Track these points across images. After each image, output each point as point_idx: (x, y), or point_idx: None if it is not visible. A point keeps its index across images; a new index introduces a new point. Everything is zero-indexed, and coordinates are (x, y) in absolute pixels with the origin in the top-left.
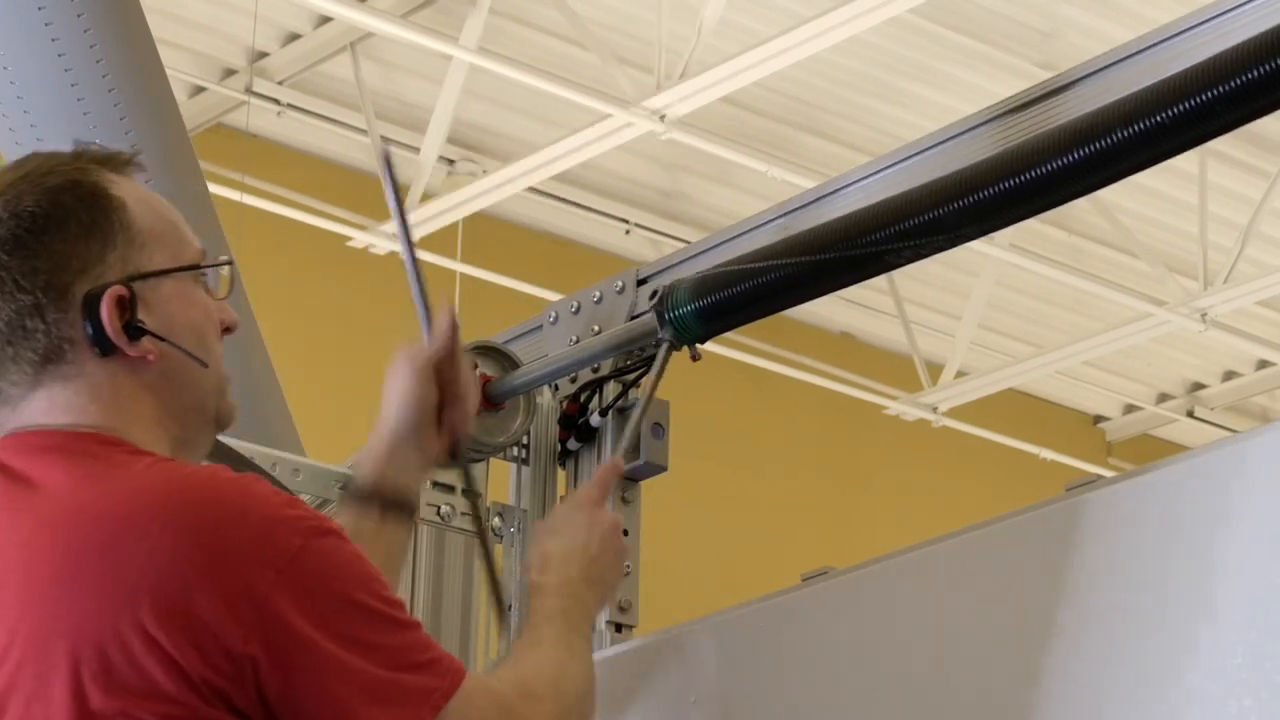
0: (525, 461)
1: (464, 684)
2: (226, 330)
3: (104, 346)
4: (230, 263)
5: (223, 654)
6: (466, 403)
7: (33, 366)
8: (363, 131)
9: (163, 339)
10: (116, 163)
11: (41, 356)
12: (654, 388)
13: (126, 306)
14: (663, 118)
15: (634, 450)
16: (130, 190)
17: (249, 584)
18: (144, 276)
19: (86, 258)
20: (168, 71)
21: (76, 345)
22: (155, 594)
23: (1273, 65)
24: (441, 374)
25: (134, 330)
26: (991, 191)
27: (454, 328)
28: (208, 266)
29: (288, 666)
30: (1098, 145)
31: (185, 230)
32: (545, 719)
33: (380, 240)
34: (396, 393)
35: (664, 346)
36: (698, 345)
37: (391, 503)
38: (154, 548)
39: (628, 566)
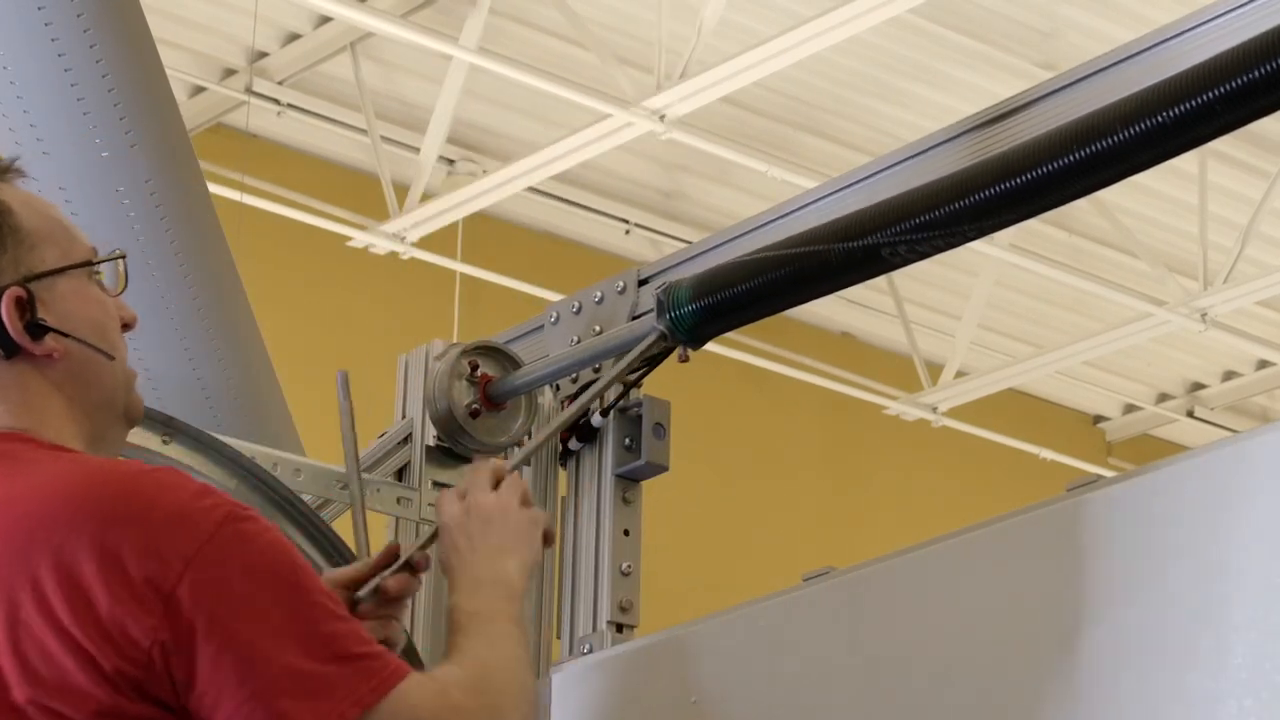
0: (527, 462)
1: (402, 683)
2: (126, 327)
3: (8, 348)
4: (123, 257)
5: (133, 645)
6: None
7: None
8: (363, 131)
9: (66, 335)
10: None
11: None
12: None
13: (25, 307)
14: (663, 118)
15: (633, 449)
16: (13, 195)
17: (156, 574)
18: (38, 276)
19: None
20: (168, 71)
21: None
22: (67, 588)
23: (1273, 66)
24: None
25: (35, 329)
26: (991, 192)
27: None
28: (100, 261)
29: (196, 656)
30: (1098, 146)
31: (73, 229)
32: (481, 708)
33: (380, 240)
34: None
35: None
36: (696, 346)
37: None
38: (63, 543)
39: (627, 568)
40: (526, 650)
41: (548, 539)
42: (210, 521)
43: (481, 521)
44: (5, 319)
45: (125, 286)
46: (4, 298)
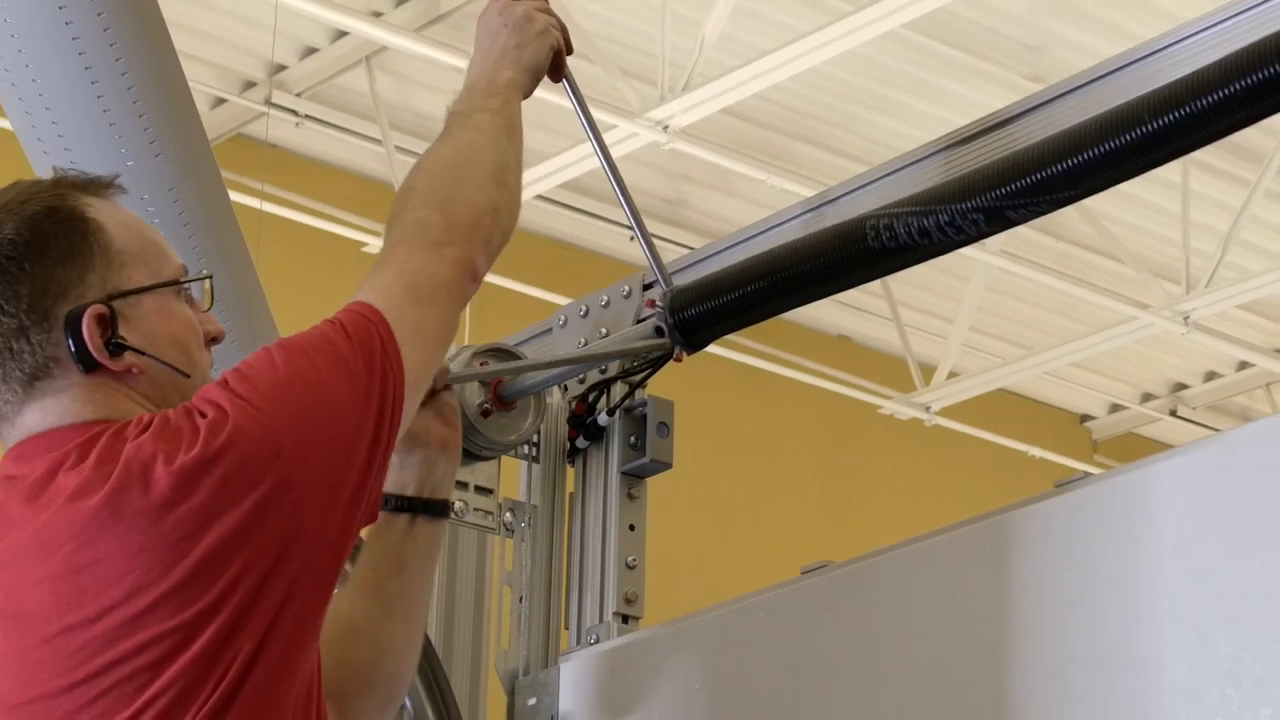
0: (536, 459)
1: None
2: (212, 340)
3: (87, 363)
4: (209, 277)
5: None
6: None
7: (22, 386)
8: (378, 142)
9: (143, 353)
10: (97, 187)
11: (29, 375)
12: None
13: (107, 324)
14: (666, 128)
15: (638, 447)
16: (109, 212)
17: (151, 568)
18: (123, 295)
19: (66, 280)
20: (190, 84)
21: (62, 363)
22: (104, 609)
23: (1253, 79)
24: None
25: (115, 346)
26: (983, 199)
27: None
28: (186, 282)
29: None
30: (1085, 156)
31: (165, 248)
32: (436, 225)
33: None
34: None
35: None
36: (697, 349)
37: (410, 505)
38: (87, 566)
39: (632, 561)
40: (499, 138)
41: (567, 46)
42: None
43: (488, 34)
44: (85, 335)
45: (211, 304)
46: (86, 315)
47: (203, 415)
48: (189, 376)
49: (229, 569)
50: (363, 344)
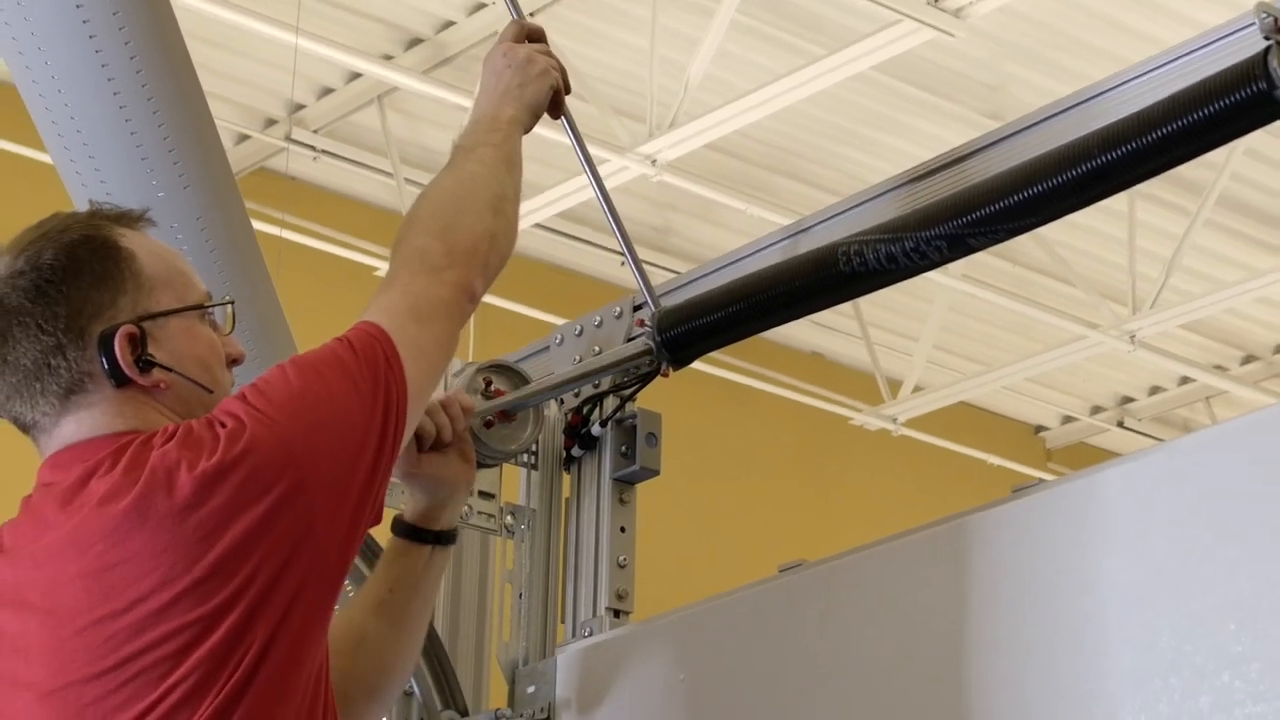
0: (534, 467)
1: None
2: (234, 362)
3: (119, 378)
4: (231, 302)
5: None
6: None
7: (59, 398)
8: (389, 175)
9: (170, 369)
10: (129, 219)
11: (65, 389)
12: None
13: (137, 343)
14: (654, 162)
15: (629, 456)
16: (140, 242)
17: (170, 565)
18: (152, 316)
19: (100, 302)
20: (216, 121)
21: (95, 378)
22: (128, 603)
23: (1192, 118)
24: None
25: (144, 363)
26: (945, 228)
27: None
28: (209, 306)
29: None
30: (1039, 188)
31: (191, 275)
32: (434, 258)
33: None
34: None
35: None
36: (683, 365)
37: (437, 538)
38: (115, 566)
39: (623, 560)
40: (499, 171)
41: (565, 86)
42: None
43: (493, 73)
44: (117, 353)
45: (233, 328)
46: (118, 334)
47: (223, 425)
48: (212, 392)
49: (245, 566)
50: (368, 360)
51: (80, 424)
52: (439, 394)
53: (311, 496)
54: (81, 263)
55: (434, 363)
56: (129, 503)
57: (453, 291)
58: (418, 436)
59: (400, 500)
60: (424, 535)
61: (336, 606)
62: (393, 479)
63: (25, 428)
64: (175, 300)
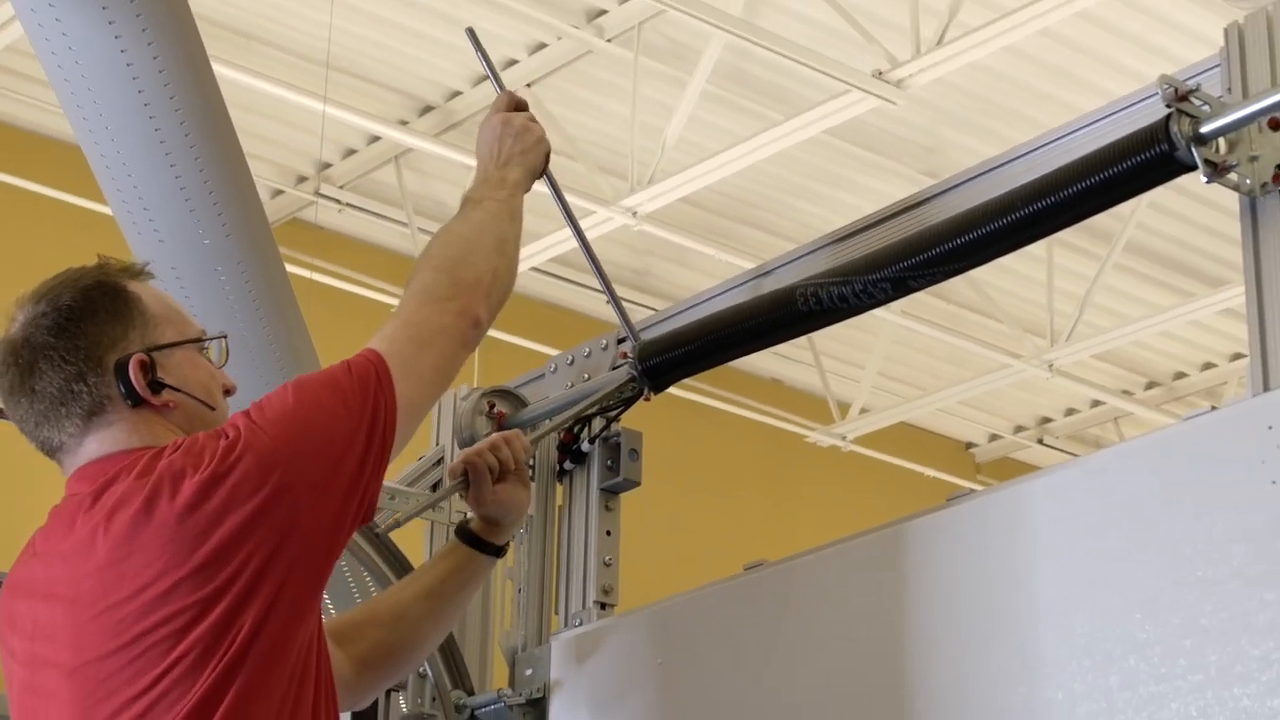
0: (531, 478)
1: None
2: (227, 393)
3: (134, 399)
4: (224, 336)
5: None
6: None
7: (82, 419)
8: (404, 224)
9: (178, 390)
10: (133, 271)
11: (88, 411)
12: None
13: (148, 369)
14: (635, 214)
15: (613, 469)
16: (143, 289)
17: (170, 562)
18: (159, 348)
19: (114, 336)
20: (254, 179)
21: (113, 400)
22: (138, 594)
23: (1104, 175)
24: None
25: (155, 385)
26: (888, 271)
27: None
28: (207, 340)
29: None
30: (970, 236)
31: (187, 315)
32: (439, 294)
33: None
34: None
35: (627, 380)
36: (660, 390)
37: (498, 552)
38: (126, 559)
39: (608, 560)
40: (503, 220)
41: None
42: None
43: (495, 139)
44: (132, 377)
45: (227, 360)
46: (131, 361)
47: (226, 436)
48: (214, 410)
49: (237, 556)
50: (360, 379)
51: (102, 442)
52: (500, 433)
53: (296, 496)
54: (95, 303)
55: (430, 382)
56: (138, 505)
57: (455, 319)
58: (490, 471)
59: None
60: (483, 546)
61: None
62: (465, 511)
63: (51, 450)
64: (176, 334)
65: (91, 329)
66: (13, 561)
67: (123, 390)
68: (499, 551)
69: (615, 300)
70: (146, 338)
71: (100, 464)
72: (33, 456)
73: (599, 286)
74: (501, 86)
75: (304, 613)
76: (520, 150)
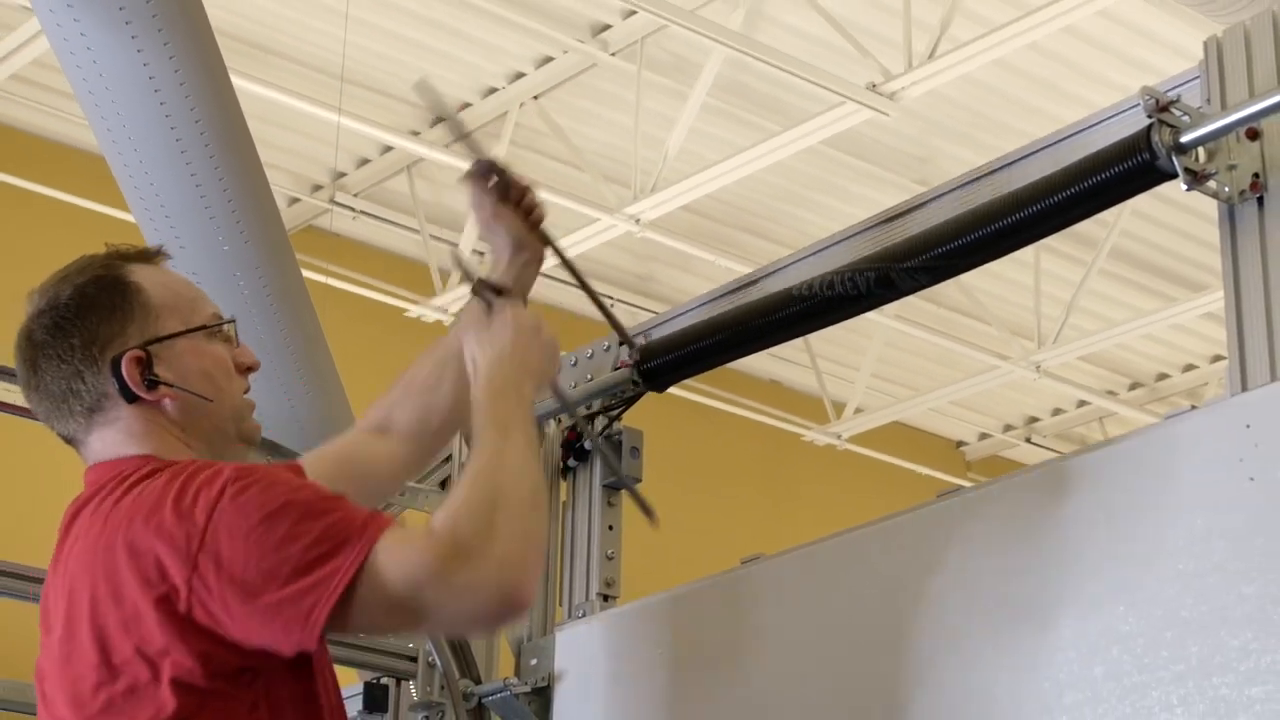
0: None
1: (385, 535)
2: (249, 369)
3: (129, 396)
4: (232, 321)
5: (176, 601)
6: (528, 195)
7: (84, 417)
8: (416, 231)
9: (173, 385)
10: (145, 255)
11: (88, 408)
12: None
13: (144, 364)
14: (638, 221)
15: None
16: (150, 275)
17: (179, 547)
18: (159, 340)
19: (110, 332)
20: (271, 186)
21: (111, 397)
22: (133, 545)
23: (1084, 186)
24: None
25: (150, 382)
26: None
27: (494, 171)
28: (212, 326)
29: (219, 598)
30: (961, 241)
31: (197, 300)
32: (473, 531)
33: (429, 312)
34: (491, 232)
35: (628, 381)
36: (660, 390)
37: (496, 292)
38: (128, 540)
39: (610, 554)
40: (530, 457)
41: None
42: (209, 502)
43: (504, 342)
44: (125, 374)
45: (238, 342)
46: (125, 358)
47: (192, 503)
48: (212, 401)
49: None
50: (336, 537)
51: (104, 442)
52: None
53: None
54: (92, 299)
55: (374, 607)
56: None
57: (461, 600)
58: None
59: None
60: (488, 289)
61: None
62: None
63: (70, 442)
64: (181, 323)
65: (88, 326)
66: (13, 554)
67: (118, 387)
68: (493, 296)
69: (607, 314)
70: (146, 330)
71: (101, 469)
72: (32, 455)
73: (603, 291)
74: (482, 154)
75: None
76: (535, 357)
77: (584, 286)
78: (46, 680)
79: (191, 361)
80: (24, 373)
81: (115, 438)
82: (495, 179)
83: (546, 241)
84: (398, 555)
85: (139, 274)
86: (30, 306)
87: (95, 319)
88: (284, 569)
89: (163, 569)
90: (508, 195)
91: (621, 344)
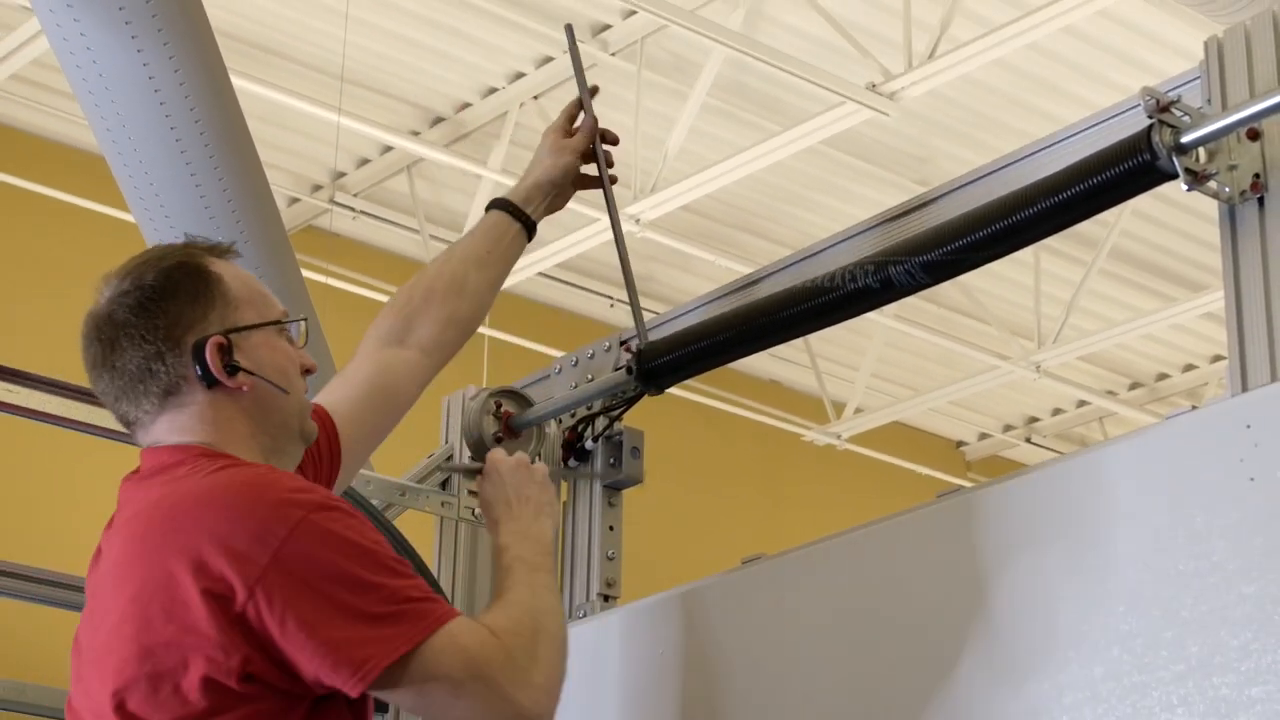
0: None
1: (448, 624)
2: (307, 371)
3: (209, 381)
4: (304, 320)
5: (232, 600)
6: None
7: (158, 399)
8: (416, 231)
9: (252, 373)
10: (219, 250)
11: (164, 390)
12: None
13: (225, 351)
14: (638, 221)
15: (616, 466)
16: (227, 269)
17: (253, 547)
18: (237, 330)
19: (193, 317)
20: (271, 186)
21: (189, 381)
22: (190, 554)
23: (1084, 186)
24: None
25: (231, 368)
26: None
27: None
28: (286, 322)
29: (278, 615)
30: (961, 242)
31: (271, 297)
32: (522, 649)
33: None
34: (551, 152)
35: (629, 381)
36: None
37: (527, 223)
38: (195, 522)
39: (611, 554)
40: (559, 599)
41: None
42: (302, 507)
43: (516, 489)
44: (209, 359)
45: (306, 342)
46: (209, 343)
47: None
48: (288, 393)
49: None
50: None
51: (171, 425)
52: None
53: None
54: (177, 283)
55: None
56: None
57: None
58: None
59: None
60: (520, 216)
61: None
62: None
63: (127, 424)
64: (257, 316)
65: (172, 309)
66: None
67: (198, 372)
68: (529, 226)
69: (635, 303)
70: (226, 319)
71: (161, 451)
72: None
73: (603, 290)
74: (586, 91)
75: None
76: (548, 500)
77: (619, 242)
78: (84, 653)
79: (266, 354)
80: (99, 352)
81: (185, 422)
82: (592, 118)
83: (599, 187)
84: (463, 641)
85: (218, 266)
86: (107, 289)
87: (180, 303)
88: (352, 612)
89: (226, 567)
90: (590, 137)
91: (624, 343)
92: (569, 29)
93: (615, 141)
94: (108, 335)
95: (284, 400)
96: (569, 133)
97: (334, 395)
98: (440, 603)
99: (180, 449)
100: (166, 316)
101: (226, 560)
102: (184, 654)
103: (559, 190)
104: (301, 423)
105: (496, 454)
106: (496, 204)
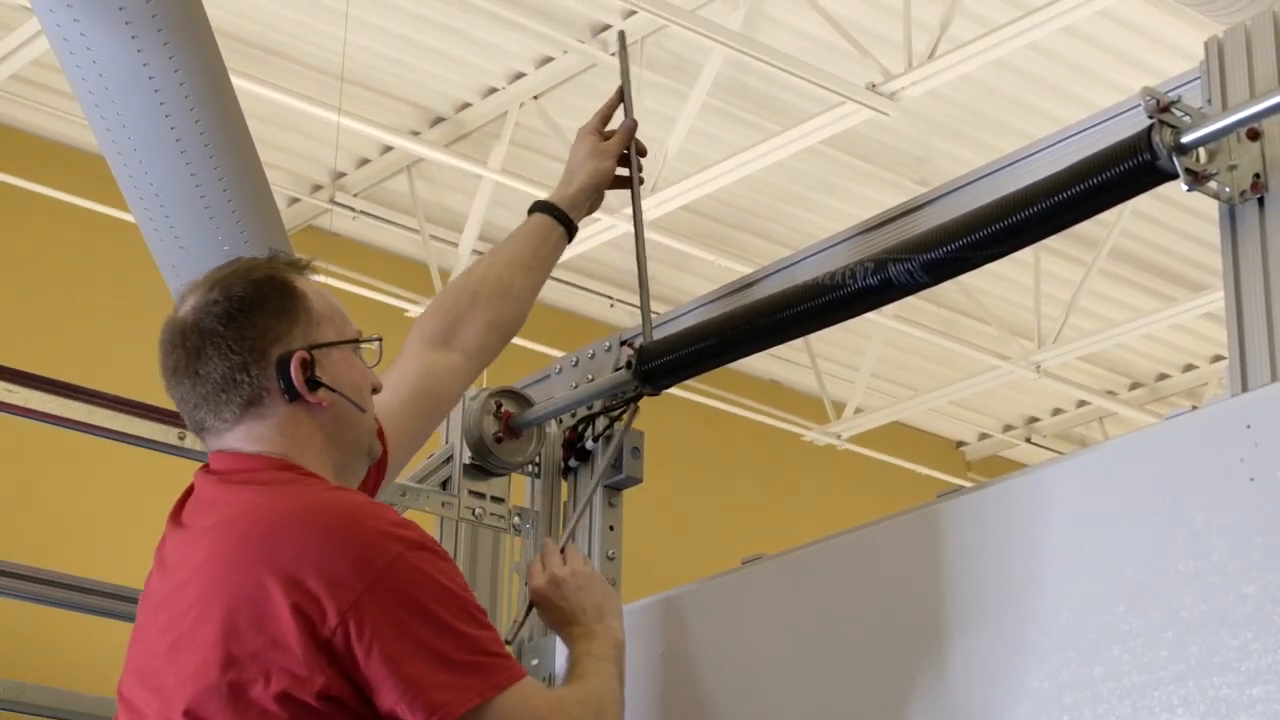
0: (538, 476)
1: (522, 682)
2: (375, 390)
3: (291, 394)
4: (379, 339)
5: (322, 622)
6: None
7: (239, 408)
8: (416, 231)
9: (333, 390)
10: (300, 265)
11: (246, 401)
12: (629, 422)
13: (308, 366)
14: None
15: (617, 467)
16: (309, 285)
17: (350, 575)
18: (320, 346)
19: (279, 330)
20: (271, 186)
21: (271, 394)
22: (285, 570)
23: (1084, 186)
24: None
25: (313, 384)
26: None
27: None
28: (364, 341)
29: (365, 643)
30: (962, 242)
31: (346, 315)
32: None
33: None
34: (591, 155)
35: (629, 382)
36: (659, 391)
37: (571, 227)
38: (292, 540)
39: (611, 554)
40: (623, 690)
41: None
42: (400, 543)
43: (575, 588)
44: (293, 373)
45: (379, 361)
46: (294, 358)
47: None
48: (364, 411)
49: None
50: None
51: (248, 434)
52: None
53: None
54: (265, 297)
55: None
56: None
57: None
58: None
59: None
60: (565, 220)
61: None
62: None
63: (200, 430)
64: (336, 334)
65: (260, 321)
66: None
67: (281, 385)
68: (570, 229)
69: (644, 303)
70: (309, 335)
71: (237, 457)
72: (34, 453)
73: (603, 291)
74: (629, 110)
75: None
76: (608, 596)
77: (639, 242)
78: (151, 641)
79: (345, 372)
80: (183, 358)
81: (263, 432)
82: (632, 121)
83: (626, 185)
84: (534, 702)
85: (301, 282)
86: (194, 297)
87: (267, 316)
88: (435, 655)
89: (321, 590)
90: (627, 140)
91: (624, 343)
92: (621, 35)
93: (644, 153)
94: (193, 343)
95: (359, 418)
96: (605, 135)
97: (381, 401)
98: (514, 661)
99: (256, 458)
100: (254, 328)
101: (322, 583)
102: (267, 667)
103: (600, 193)
104: (371, 441)
105: (550, 569)
106: (541, 207)
